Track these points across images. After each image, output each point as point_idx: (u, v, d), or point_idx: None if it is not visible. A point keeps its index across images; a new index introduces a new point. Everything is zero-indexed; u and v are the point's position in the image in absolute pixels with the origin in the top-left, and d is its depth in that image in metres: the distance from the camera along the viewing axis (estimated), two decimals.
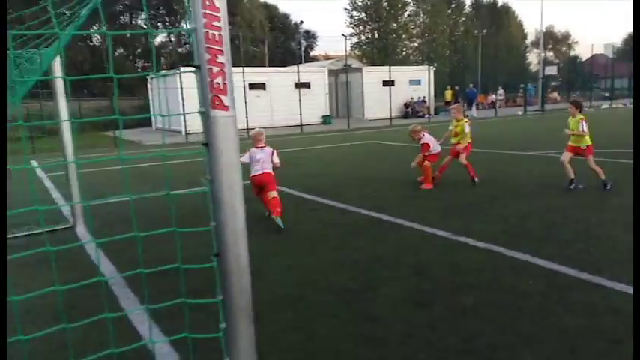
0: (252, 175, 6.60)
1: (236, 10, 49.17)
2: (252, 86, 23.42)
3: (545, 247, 5.23)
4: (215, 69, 1.93)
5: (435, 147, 8.76)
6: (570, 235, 5.66)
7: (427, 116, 28.50)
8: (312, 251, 5.50)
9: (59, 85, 6.41)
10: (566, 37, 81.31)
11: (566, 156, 8.00)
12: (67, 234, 6.48)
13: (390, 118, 25.93)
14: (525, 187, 8.43)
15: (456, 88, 33.07)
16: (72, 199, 6.78)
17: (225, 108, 1.97)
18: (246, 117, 21.48)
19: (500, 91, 35.51)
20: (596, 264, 4.66)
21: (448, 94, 32.29)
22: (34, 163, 13.85)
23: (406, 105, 29.91)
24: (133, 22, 43.67)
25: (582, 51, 74.18)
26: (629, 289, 4.05)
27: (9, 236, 5.85)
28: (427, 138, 8.84)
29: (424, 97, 30.18)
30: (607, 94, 39.82)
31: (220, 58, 1.93)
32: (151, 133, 23.67)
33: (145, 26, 44.43)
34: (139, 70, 38.25)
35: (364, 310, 3.92)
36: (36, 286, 2.79)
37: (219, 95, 1.95)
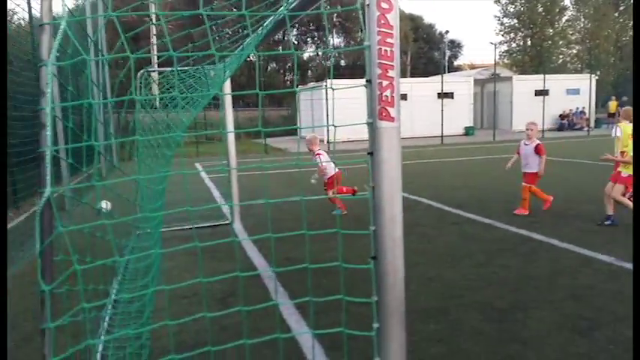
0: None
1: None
2: None
3: None
4: (385, 83, 2.06)
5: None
6: None
7: (586, 129, 25.87)
8: (455, 265, 5.38)
9: (227, 98, 7.20)
10: None
11: None
12: (225, 229, 7.22)
13: (543, 130, 24.05)
14: None
15: (624, 98, 29.43)
16: (231, 198, 7.53)
17: (392, 119, 2.09)
18: None
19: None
20: None
21: (613, 106, 28.85)
22: (198, 166, 15.60)
23: (562, 116, 27.49)
24: (285, 38, 46.85)
25: None
26: None
27: (175, 228, 6.71)
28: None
29: (583, 107, 27.43)
30: None
31: (390, 73, 2.05)
32: (296, 142, 25.12)
33: (295, 42, 47.33)
34: (288, 83, 40.85)
35: (513, 331, 3.74)
36: (202, 273, 3.20)
37: (387, 107, 2.07)
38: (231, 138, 7.46)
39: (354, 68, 42.76)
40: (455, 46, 57.76)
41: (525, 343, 3.55)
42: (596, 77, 29.19)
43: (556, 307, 4.15)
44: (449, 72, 41.41)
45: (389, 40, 2.08)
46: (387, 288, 2.29)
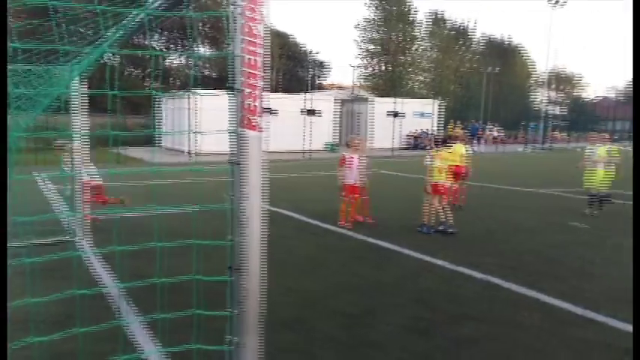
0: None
1: None
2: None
3: (542, 281, 5.29)
4: (249, 91, 2.07)
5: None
6: (566, 271, 5.72)
7: (429, 148, 28.73)
8: (313, 275, 5.57)
9: (76, 101, 6.59)
10: (571, 77, 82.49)
11: None
12: (68, 245, 6.56)
13: (393, 149, 26.18)
14: (526, 222, 8.50)
15: (457, 122, 33.56)
16: (74, 211, 6.87)
17: (255, 128, 2.10)
18: None
19: (491, 127, 35.80)
20: (590, 300, 4.72)
21: (450, 128, 32.67)
22: (37, 174, 13.99)
23: (411, 137, 30.19)
24: (147, 42, 44.50)
25: (589, 92, 74.78)
26: (622, 325, 4.11)
27: (10, 245, 5.92)
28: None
29: (429, 129, 30.50)
30: (607, 136, 40.06)
31: (254, 82, 2.07)
32: (158, 152, 23.92)
33: (156, 48, 45.21)
34: (147, 89, 38.85)
35: (363, 336, 3.97)
36: (38, 295, 2.88)
37: (251, 116, 2.08)
38: (78, 145, 6.81)
39: (221, 80, 42.29)
40: (320, 65, 60.27)
41: (373, 345, 3.79)
42: (440, 102, 32.64)
43: (401, 310, 4.51)
44: (314, 90, 43.01)
45: (254, 49, 2.10)
46: (246, 300, 2.28)
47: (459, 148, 9.37)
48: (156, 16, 2.95)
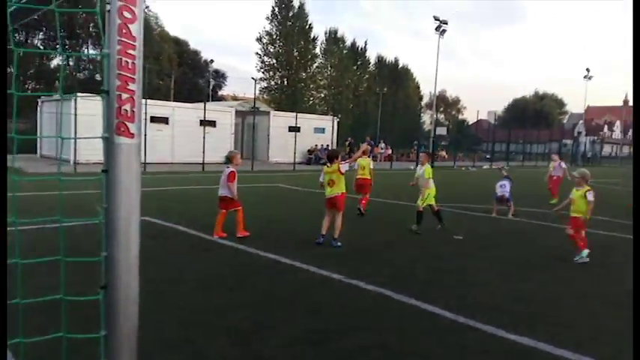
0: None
1: (145, 41, 47.91)
2: (153, 119, 22.71)
3: (429, 292, 5.59)
4: (125, 96, 1.92)
5: None
6: (451, 281, 6.11)
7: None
8: (206, 292, 5.36)
9: None
10: (456, 101, 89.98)
11: None
12: None
13: (294, 163, 26.43)
14: (413, 235, 8.97)
15: (351, 140, 35.03)
16: None
17: (131, 135, 1.95)
18: (145, 150, 20.65)
19: (382, 144, 37.90)
20: (470, 309, 5.07)
21: (346, 145, 34.00)
22: None
23: (309, 151, 30.72)
24: (29, 41, 40.69)
25: (469, 115, 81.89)
26: (500, 332, 4.45)
27: None
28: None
29: (327, 145, 31.28)
30: (488, 157, 44.08)
31: (131, 86, 1.93)
32: (35, 161, 21.79)
33: (41, 47, 41.53)
34: (30, 92, 35.36)
35: (256, 351, 3.88)
36: None
37: (126, 122, 1.93)
38: None
39: None
40: (219, 76, 59.40)
41: None
42: (338, 119, 33.69)
43: (294, 323, 4.49)
44: (213, 101, 42.17)
45: (131, 51, 1.96)
46: (119, 320, 2.10)
47: (365, 162, 10.97)
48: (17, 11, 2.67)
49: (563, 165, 15.38)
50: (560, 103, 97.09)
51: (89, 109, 20.82)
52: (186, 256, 6.90)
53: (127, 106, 1.97)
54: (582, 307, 5.32)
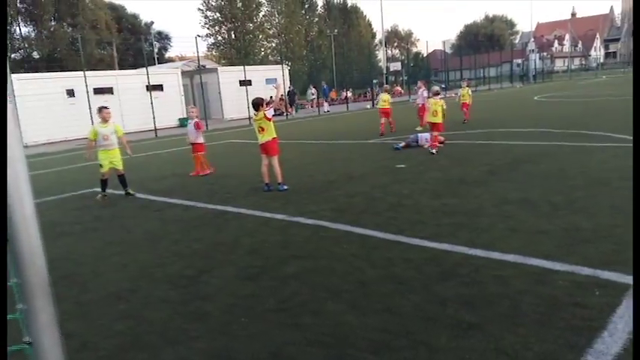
0: None
1: (77, 10, 45.56)
2: (97, 91, 22.07)
3: (363, 218, 5.99)
4: None
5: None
6: (384, 206, 6.52)
7: (284, 113, 29.45)
8: (151, 248, 5.62)
9: None
10: (409, 35, 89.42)
11: None
12: None
13: (248, 118, 26.29)
14: (359, 171, 9.35)
15: (291, 88, 34.65)
16: None
17: None
18: (92, 123, 20.20)
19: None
20: (399, 226, 5.50)
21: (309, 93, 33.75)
22: None
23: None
24: None
25: (424, 48, 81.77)
26: (424, 242, 4.89)
27: None
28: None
29: (282, 95, 31.05)
30: (443, 86, 44.55)
31: None
32: None
33: None
34: None
35: (196, 292, 4.20)
36: None
37: None
38: None
39: (51, 61, 38.02)
40: (163, 37, 57.25)
41: (205, 298, 4.05)
42: (289, 67, 33.27)
43: (234, 264, 4.82)
44: (160, 64, 40.86)
45: None
46: (27, 267, 2.33)
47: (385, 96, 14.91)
48: None
49: (425, 94, 16.57)
50: (511, 24, 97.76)
51: (28, 90, 20.18)
52: (136, 218, 7.09)
53: None
54: (500, 212, 5.81)
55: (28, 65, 39.90)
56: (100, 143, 8.38)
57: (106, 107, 8.75)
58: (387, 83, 35.10)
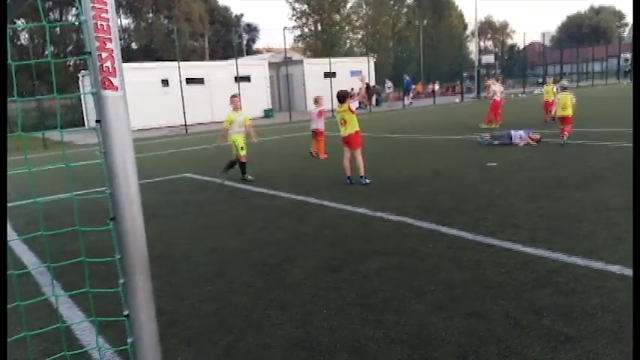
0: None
1: (173, 3, 48.22)
2: (189, 81, 23.23)
3: (450, 217, 5.75)
4: (104, 54, 2.21)
5: None
6: (473, 205, 6.22)
7: (367, 107, 29.23)
8: (238, 234, 5.78)
9: None
10: (504, 26, 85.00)
11: None
12: None
13: (332, 110, 26.42)
14: (446, 167, 9.02)
15: (367, 82, 33.79)
16: None
17: (115, 88, 2.26)
18: (184, 112, 21.36)
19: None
20: (490, 228, 5.21)
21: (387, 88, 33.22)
22: None
23: (350, 96, 30.52)
24: (64, 18, 41.91)
25: (520, 40, 77.39)
26: (516, 247, 4.60)
27: None
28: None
29: (367, 83, 30.87)
30: (540, 81, 41.85)
31: (109, 45, 2.21)
32: (83, 133, 23.04)
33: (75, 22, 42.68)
34: (71, 69, 36.67)
35: (279, 280, 4.26)
36: None
37: (109, 77, 2.24)
38: None
39: (148, 51, 40.61)
40: (252, 29, 59.05)
41: (287, 287, 4.09)
42: (374, 59, 32.96)
43: (317, 255, 4.82)
44: (248, 55, 42.23)
45: (104, 15, 2.22)
46: (129, 245, 2.45)
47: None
48: None
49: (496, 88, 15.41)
50: (620, 15, 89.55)
51: (128, 78, 21.71)
52: (224, 204, 7.36)
53: (108, 64, 2.26)
54: (603, 219, 5.31)
55: (127, 55, 42.91)
56: (234, 130, 8.83)
57: (236, 95, 9.43)
58: (485, 76, 33.62)
